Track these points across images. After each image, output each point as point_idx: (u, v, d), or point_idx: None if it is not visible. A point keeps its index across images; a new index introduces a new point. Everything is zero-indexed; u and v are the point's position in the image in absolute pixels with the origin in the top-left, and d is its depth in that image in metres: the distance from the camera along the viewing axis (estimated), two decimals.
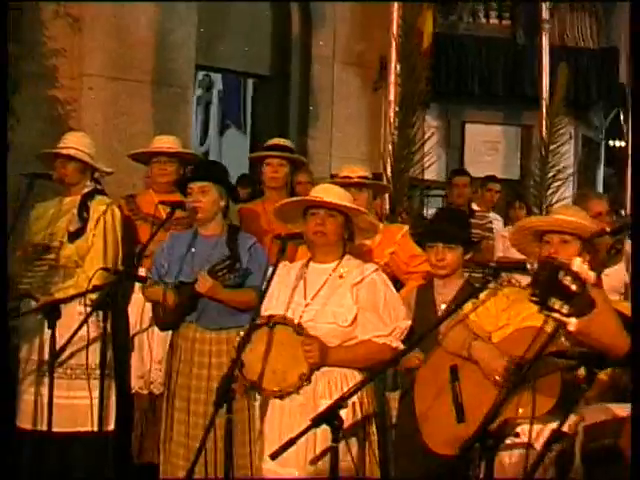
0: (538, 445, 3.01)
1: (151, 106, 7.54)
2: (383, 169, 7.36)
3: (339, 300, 3.66)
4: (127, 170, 6.19)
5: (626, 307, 2.40)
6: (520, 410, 3.01)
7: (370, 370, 3.61)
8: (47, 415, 4.11)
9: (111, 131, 7.25)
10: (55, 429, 4.16)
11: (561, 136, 9.33)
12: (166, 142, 5.26)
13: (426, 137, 7.85)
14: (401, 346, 3.66)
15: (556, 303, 2.10)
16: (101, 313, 4.12)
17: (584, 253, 3.35)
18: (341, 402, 3.06)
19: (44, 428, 4.29)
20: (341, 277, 3.71)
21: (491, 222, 7.73)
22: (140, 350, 4.99)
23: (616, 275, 5.07)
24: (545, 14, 9.66)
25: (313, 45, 9.28)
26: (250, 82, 12.47)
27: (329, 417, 2.97)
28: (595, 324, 2.15)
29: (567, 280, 2.08)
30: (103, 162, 5.09)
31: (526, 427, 2.98)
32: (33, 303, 4.71)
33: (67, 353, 4.36)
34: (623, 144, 12.40)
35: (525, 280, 4.52)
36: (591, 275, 2.12)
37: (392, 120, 7.48)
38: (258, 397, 3.75)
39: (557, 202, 8.64)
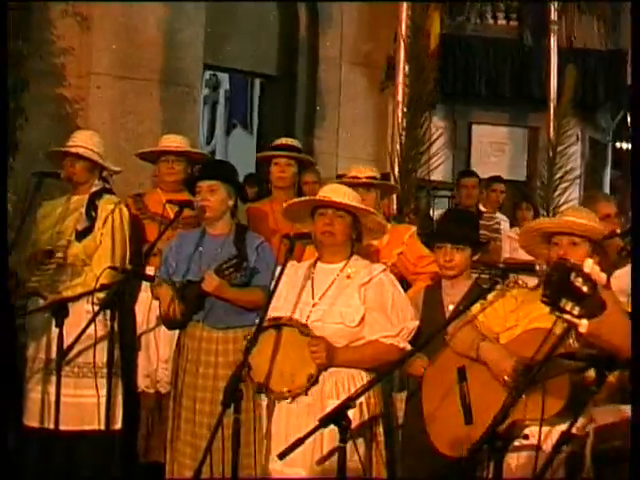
0: (547, 447, 3.01)
1: (159, 105, 7.53)
2: (390, 169, 7.34)
3: (347, 300, 3.65)
4: (134, 169, 6.18)
5: None
6: (529, 412, 3.01)
7: (377, 371, 3.61)
8: (54, 413, 4.11)
9: (118, 130, 7.24)
10: (62, 427, 4.15)
11: (568, 138, 9.30)
12: (174, 141, 5.25)
13: (434, 138, 7.83)
14: (408, 347, 3.65)
15: (567, 304, 2.10)
16: (108, 312, 4.11)
17: (594, 255, 3.35)
18: (349, 402, 3.05)
19: (51, 426, 4.29)
20: (349, 277, 3.71)
21: (498, 223, 7.73)
22: (147, 349, 4.99)
23: (625, 277, 5.04)
24: (553, 15, 9.61)
25: (320, 45, 9.26)
26: (257, 82, 12.46)
27: (337, 417, 2.97)
28: (606, 326, 2.14)
29: (579, 281, 2.08)
30: (110, 161, 5.08)
31: (535, 429, 2.98)
32: (41, 301, 4.71)
33: (74, 351, 4.33)
34: (630, 146, 12.36)
35: (532, 281, 4.51)
36: (602, 277, 2.12)
37: (400, 121, 7.46)
38: (264, 397, 3.74)
39: (564, 204, 8.60)
